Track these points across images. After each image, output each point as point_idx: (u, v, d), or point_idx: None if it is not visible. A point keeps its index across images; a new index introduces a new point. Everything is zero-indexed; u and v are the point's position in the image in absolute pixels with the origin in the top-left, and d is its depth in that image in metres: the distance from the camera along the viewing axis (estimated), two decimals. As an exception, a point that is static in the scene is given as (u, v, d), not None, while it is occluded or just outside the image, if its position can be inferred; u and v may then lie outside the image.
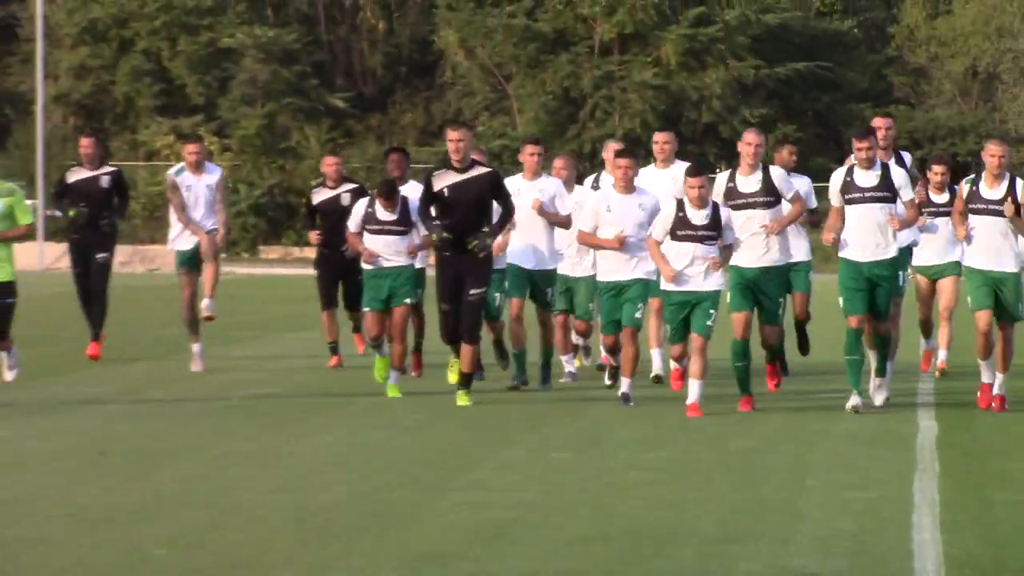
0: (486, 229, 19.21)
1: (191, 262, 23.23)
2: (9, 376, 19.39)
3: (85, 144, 24.87)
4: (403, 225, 20.18)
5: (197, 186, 23.30)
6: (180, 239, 23.27)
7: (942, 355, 22.04)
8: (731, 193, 18.71)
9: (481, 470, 15.48)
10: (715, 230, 18.09)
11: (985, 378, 18.95)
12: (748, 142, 18.92)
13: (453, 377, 20.33)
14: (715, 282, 18.26)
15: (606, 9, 74.95)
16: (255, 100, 77.64)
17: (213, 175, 23.73)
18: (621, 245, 18.55)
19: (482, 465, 15.77)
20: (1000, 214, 18.42)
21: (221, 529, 12.53)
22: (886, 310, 18.60)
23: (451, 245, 19.25)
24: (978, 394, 19.26)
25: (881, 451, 16.57)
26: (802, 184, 20.19)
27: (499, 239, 20.05)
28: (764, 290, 18.75)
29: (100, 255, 24.27)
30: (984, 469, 15.65)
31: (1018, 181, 18.63)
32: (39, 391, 21.12)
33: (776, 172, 19.08)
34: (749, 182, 18.74)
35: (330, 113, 77.75)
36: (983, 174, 18.66)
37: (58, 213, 25.09)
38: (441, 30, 77.82)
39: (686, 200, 18.14)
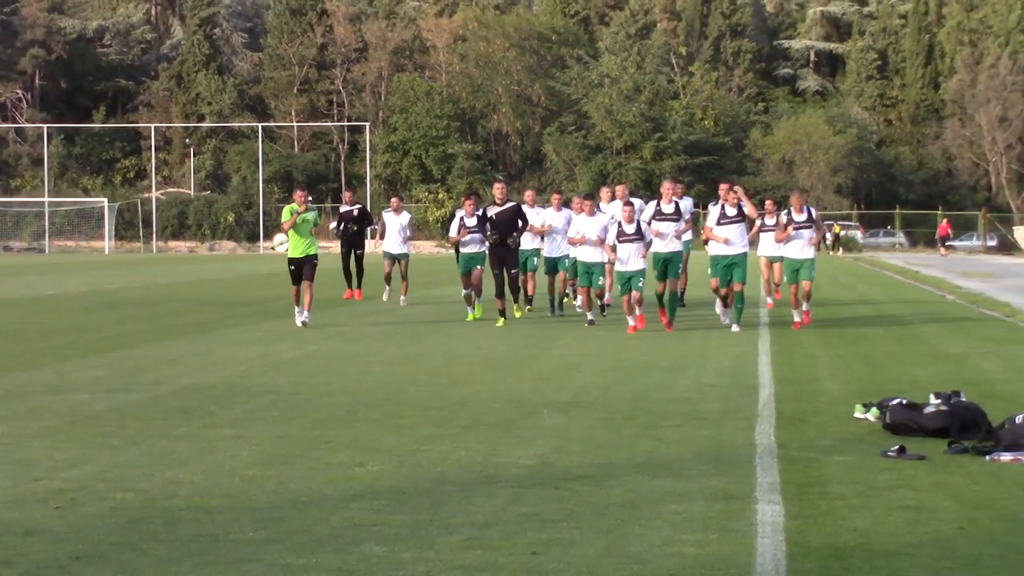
0: (516, 233, 17.90)
1: (390, 256, 21.14)
2: (301, 319, 16.71)
3: (347, 196, 23.26)
4: (480, 228, 18.04)
5: (392, 222, 20.96)
6: (384, 245, 21.15)
7: (771, 300, 20.78)
8: (658, 213, 16.96)
9: (564, 340, 15.45)
10: (639, 235, 16.50)
11: (796, 317, 17.30)
12: (666, 188, 17.26)
13: (500, 322, 17.72)
14: (640, 264, 16.53)
15: (618, 132, 74.60)
16: (463, 175, 77.58)
17: (404, 218, 21.10)
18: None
19: (563, 339, 15.72)
20: (807, 228, 17.11)
21: (451, 364, 12.57)
22: (739, 279, 16.57)
23: (498, 241, 17.82)
24: (793, 325, 17.75)
25: (745, 333, 16.39)
26: (688, 203, 18.17)
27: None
28: (668, 265, 16.84)
29: (358, 251, 22.15)
30: (789, 339, 15.52)
31: (812, 209, 17.66)
32: (346, 315, 21.08)
33: (682, 203, 17.34)
34: (668, 207, 16.98)
35: (494, 182, 77.57)
36: (791, 209, 17.49)
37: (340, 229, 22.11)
38: (544, 144, 77.64)
39: (622, 220, 16.61)
